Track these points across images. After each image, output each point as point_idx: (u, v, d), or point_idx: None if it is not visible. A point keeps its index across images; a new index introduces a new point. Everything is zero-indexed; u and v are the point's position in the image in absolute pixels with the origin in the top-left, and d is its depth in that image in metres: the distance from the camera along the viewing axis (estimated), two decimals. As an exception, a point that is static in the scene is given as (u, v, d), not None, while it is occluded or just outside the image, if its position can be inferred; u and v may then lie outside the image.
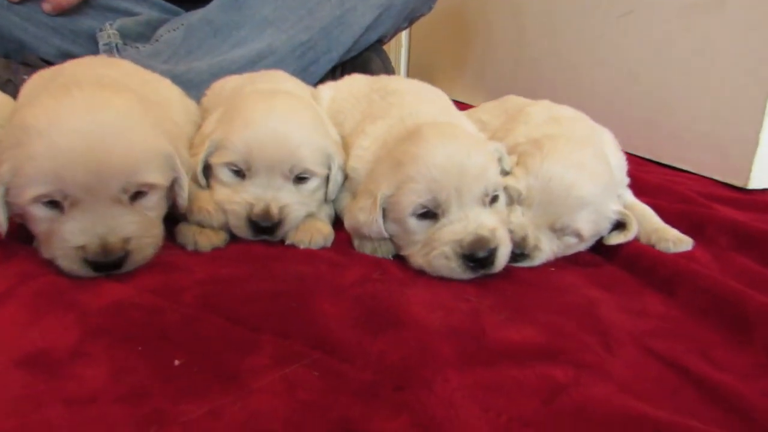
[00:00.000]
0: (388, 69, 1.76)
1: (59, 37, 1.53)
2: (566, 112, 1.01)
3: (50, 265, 0.75)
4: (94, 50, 1.53)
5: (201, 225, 0.88)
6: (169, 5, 1.67)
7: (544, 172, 0.83)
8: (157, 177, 0.77)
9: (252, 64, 1.53)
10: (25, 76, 1.42)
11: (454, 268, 0.79)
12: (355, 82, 1.21)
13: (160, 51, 1.55)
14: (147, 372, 0.58)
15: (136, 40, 1.56)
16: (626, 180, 1.02)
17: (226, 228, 0.88)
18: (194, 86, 1.33)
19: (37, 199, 0.72)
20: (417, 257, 0.83)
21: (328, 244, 0.90)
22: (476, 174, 0.80)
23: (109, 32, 1.53)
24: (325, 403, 0.55)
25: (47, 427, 0.51)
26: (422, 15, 1.82)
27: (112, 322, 0.65)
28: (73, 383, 0.56)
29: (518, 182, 0.85)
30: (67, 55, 1.53)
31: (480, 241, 0.78)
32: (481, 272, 0.80)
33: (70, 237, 0.71)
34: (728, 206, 1.16)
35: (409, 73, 2.59)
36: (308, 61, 1.60)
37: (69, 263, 0.73)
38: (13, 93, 1.13)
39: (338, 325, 0.67)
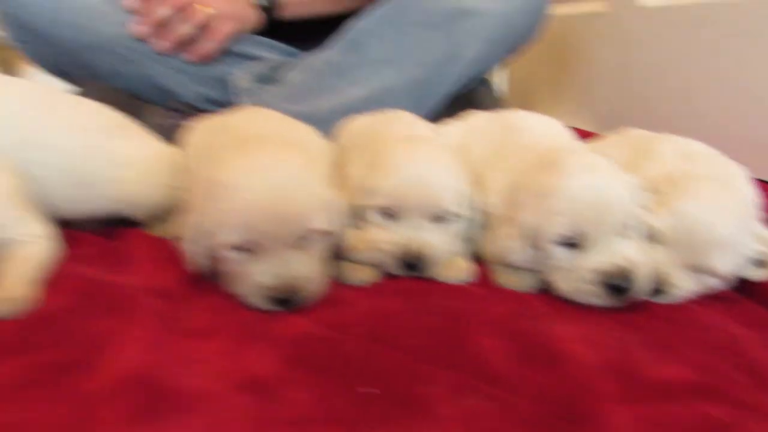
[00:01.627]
0: (495, 100, 1.82)
1: (197, 82, 1.69)
2: (698, 147, 1.04)
3: (237, 299, 0.87)
4: (226, 92, 1.69)
5: (354, 262, 0.98)
6: (290, 49, 1.82)
7: (683, 211, 0.88)
8: (330, 225, 0.88)
9: (371, 102, 1.62)
10: (171, 120, 1.59)
11: (597, 296, 0.85)
12: (477, 119, 1.29)
13: (286, 92, 1.68)
14: (341, 399, 0.68)
15: (264, 83, 1.71)
16: (760, 215, 1.04)
17: (378, 264, 0.98)
18: (315, 124, 1.41)
19: (231, 246, 0.84)
20: (560, 284, 0.89)
21: (471, 278, 0.97)
22: (618, 205, 0.86)
23: (240, 76, 1.69)
24: (507, 432, 0.62)
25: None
26: (526, 44, 1.87)
27: (303, 352, 0.76)
28: (288, 406, 0.66)
29: (655, 219, 0.90)
30: (204, 98, 1.70)
31: (622, 272, 0.84)
32: (622, 301, 0.85)
33: (260, 278, 0.84)
34: None
35: (509, 100, 2.62)
36: (421, 96, 1.69)
37: (257, 300, 0.85)
38: (165, 136, 1.29)
39: (498, 357, 0.74)
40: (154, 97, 1.66)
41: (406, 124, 1.22)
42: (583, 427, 0.62)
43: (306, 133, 1.18)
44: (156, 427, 0.63)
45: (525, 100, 2.55)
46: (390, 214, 0.98)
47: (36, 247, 0.94)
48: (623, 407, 0.65)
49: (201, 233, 0.85)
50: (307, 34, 1.85)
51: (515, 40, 1.77)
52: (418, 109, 1.69)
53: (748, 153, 1.14)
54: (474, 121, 1.29)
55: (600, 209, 0.86)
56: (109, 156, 1.13)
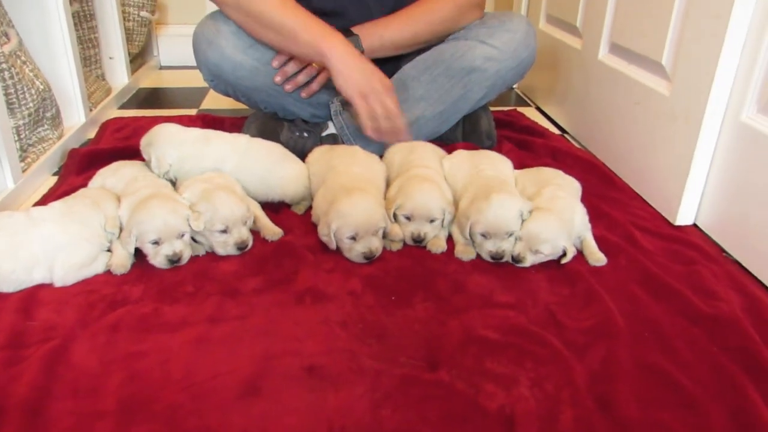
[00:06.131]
0: (491, 123, 2.91)
1: (311, 107, 2.85)
2: (562, 194, 2.18)
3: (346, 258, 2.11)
4: (327, 112, 2.83)
5: (391, 240, 2.20)
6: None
7: (529, 227, 2.04)
8: (384, 224, 2.10)
9: (411, 124, 2.72)
10: (297, 133, 2.78)
11: (489, 260, 2.05)
12: (461, 157, 2.43)
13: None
14: (386, 298, 1.92)
15: (349, 105, 2.84)
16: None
17: (400, 241, 2.20)
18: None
19: (347, 237, 2.06)
20: (479, 252, 2.09)
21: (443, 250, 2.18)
22: (507, 223, 2.00)
23: (336, 102, 2.83)
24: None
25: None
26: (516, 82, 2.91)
27: (371, 279, 2.00)
28: (365, 300, 1.91)
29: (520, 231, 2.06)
30: (315, 117, 2.86)
31: (498, 253, 2.03)
32: (497, 262, 2.05)
33: (360, 249, 2.06)
34: None
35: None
36: (442, 122, 2.79)
37: (357, 258, 2.06)
38: (293, 144, 2.58)
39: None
40: (287, 117, 2.86)
41: (421, 159, 2.38)
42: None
43: (375, 168, 2.36)
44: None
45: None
46: (408, 217, 2.17)
47: (259, 213, 2.22)
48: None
49: (330, 231, 2.08)
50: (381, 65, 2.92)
51: (504, 86, 2.83)
52: (440, 129, 2.83)
53: None
54: (460, 156, 2.44)
55: (499, 224, 2.02)
56: (279, 172, 2.37)
